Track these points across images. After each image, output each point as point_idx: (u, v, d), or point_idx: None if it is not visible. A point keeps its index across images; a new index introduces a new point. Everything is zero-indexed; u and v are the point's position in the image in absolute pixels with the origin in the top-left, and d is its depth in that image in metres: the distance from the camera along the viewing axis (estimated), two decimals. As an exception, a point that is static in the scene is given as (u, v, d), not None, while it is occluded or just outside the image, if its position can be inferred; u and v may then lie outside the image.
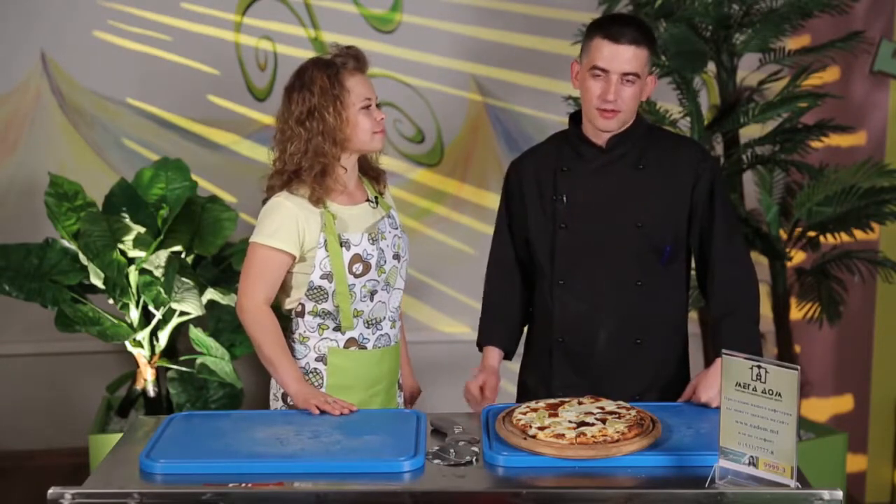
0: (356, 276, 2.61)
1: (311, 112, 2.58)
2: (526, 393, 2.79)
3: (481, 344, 2.84)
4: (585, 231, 2.66)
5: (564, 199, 2.67)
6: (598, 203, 2.65)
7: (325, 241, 2.58)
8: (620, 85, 2.56)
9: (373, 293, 2.65)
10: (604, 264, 2.65)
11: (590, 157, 2.66)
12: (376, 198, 2.73)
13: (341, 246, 2.59)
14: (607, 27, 2.58)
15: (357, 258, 2.61)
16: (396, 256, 2.71)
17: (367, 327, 2.67)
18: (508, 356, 2.84)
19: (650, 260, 2.65)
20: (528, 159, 2.80)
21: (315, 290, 2.61)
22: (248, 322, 2.61)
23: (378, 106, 2.67)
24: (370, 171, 2.76)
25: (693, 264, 2.75)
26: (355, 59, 2.62)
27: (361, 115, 2.61)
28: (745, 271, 2.66)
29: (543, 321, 2.75)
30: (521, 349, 2.85)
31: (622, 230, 2.64)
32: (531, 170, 2.75)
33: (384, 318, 2.70)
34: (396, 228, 2.74)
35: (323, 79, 2.58)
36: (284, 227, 2.57)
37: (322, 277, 2.59)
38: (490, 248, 2.87)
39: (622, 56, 2.54)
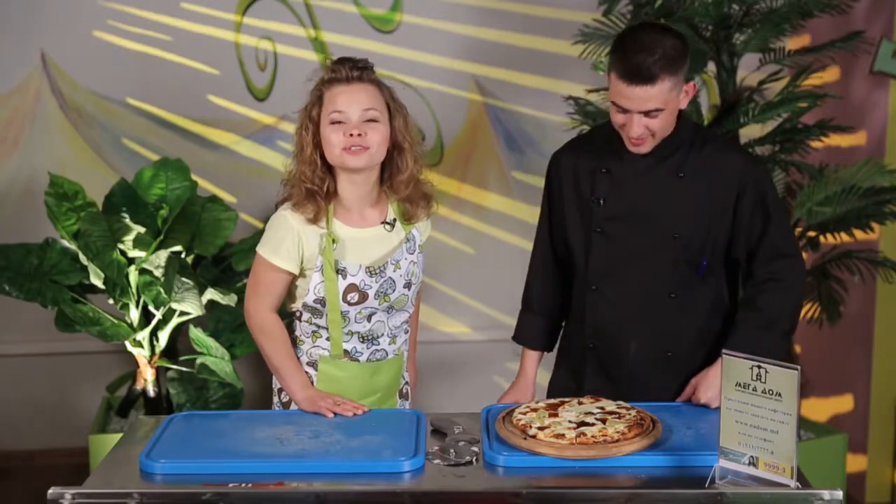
0: (350, 304, 2.54)
1: (299, 127, 2.55)
2: (558, 388, 2.75)
3: (518, 342, 2.81)
4: (620, 237, 2.58)
5: (601, 202, 2.59)
6: (635, 209, 2.57)
7: (322, 265, 2.52)
8: (644, 119, 2.44)
9: (370, 316, 2.59)
10: (637, 273, 2.58)
11: (630, 160, 2.56)
12: (394, 220, 2.61)
13: (337, 273, 2.51)
14: (623, 61, 2.41)
15: (353, 288, 2.52)
16: (408, 285, 2.61)
17: (363, 342, 2.61)
18: (548, 350, 2.82)
19: (685, 272, 2.57)
20: (568, 154, 2.69)
21: (310, 307, 2.57)
22: (253, 328, 2.59)
23: (376, 122, 2.50)
24: (400, 193, 2.59)
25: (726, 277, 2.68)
26: (336, 71, 2.50)
27: (329, 129, 2.48)
28: (793, 293, 2.56)
29: (578, 322, 2.70)
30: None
31: (658, 240, 2.56)
32: (570, 166, 2.66)
33: (382, 334, 2.63)
34: (413, 252, 2.62)
35: (310, 96, 2.53)
36: (284, 244, 2.52)
37: (315, 301, 2.54)
38: (534, 241, 2.80)
39: (637, 97, 2.40)
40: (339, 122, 2.48)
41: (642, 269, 2.58)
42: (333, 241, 2.52)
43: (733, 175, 2.55)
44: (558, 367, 2.82)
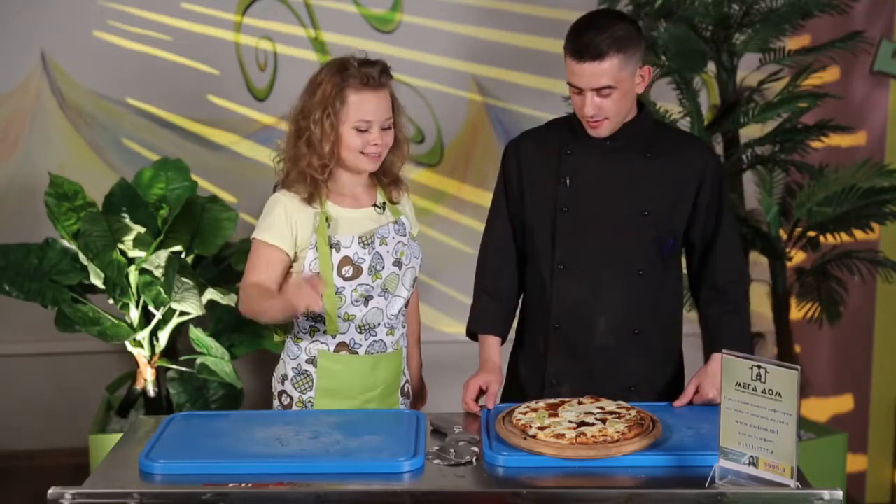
0: (345, 279, 2.57)
1: (307, 114, 2.56)
2: (517, 381, 2.76)
3: (479, 331, 2.76)
4: (588, 215, 2.61)
5: (568, 181, 2.62)
6: (604, 187, 2.61)
7: (317, 241, 2.57)
8: (596, 98, 2.50)
9: (367, 298, 2.61)
10: (606, 250, 2.61)
11: (596, 141, 2.61)
12: (384, 204, 2.68)
13: (331, 248, 2.56)
14: (573, 40, 2.52)
15: (347, 261, 2.57)
16: (398, 263, 2.66)
17: (360, 332, 2.63)
18: (504, 339, 2.79)
19: (652, 250, 2.62)
20: (527, 141, 2.73)
21: None
22: (240, 298, 2.59)
23: (390, 128, 2.58)
24: (383, 178, 2.69)
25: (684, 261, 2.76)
26: (368, 77, 2.53)
27: (352, 133, 2.54)
28: (744, 273, 2.74)
29: (539, 306, 2.70)
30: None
31: (627, 216, 2.60)
32: (531, 152, 2.69)
33: (379, 324, 2.65)
34: (404, 235, 2.68)
35: (328, 86, 2.54)
36: (276, 223, 2.56)
37: None
38: (485, 230, 2.81)
39: (587, 74, 2.48)
40: (363, 130, 2.54)
41: (611, 245, 2.61)
42: (327, 219, 2.57)
43: (697, 163, 2.63)
44: (514, 360, 2.82)
